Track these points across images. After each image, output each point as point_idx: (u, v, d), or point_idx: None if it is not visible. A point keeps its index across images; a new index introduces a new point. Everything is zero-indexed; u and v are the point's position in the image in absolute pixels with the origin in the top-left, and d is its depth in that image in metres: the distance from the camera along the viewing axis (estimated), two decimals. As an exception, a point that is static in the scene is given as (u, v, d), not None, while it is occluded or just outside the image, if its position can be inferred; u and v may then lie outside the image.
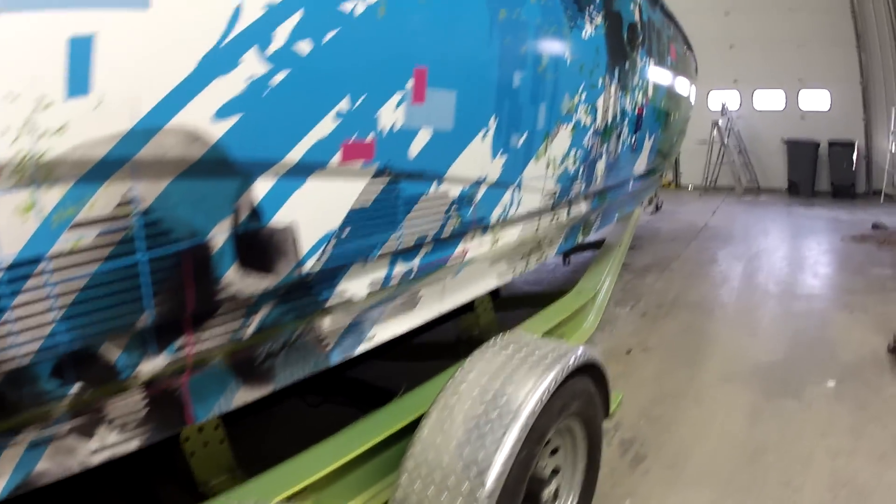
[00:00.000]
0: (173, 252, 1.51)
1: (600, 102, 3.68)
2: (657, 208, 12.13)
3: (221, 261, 1.64)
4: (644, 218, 11.34)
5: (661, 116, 5.62)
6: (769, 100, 15.61)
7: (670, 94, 5.95)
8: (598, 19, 3.47)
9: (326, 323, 2.15)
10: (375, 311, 2.36)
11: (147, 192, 1.42)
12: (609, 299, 5.95)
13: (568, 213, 3.76)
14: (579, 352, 2.49)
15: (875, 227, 10.10)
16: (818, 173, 14.56)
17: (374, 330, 2.41)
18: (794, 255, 8.36)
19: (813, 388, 4.36)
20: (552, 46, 2.99)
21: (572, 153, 3.46)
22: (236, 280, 1.69)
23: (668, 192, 16.11)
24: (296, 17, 1.66)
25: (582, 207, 3.97)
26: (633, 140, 4.62)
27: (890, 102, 13.82)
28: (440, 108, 2.29)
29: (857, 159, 14.04)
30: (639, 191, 5.92)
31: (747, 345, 5.18)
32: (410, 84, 2.10)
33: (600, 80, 3.62)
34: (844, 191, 14.00)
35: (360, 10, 1.86)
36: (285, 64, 1.65)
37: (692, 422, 4.01)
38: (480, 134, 2.57)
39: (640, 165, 5.23)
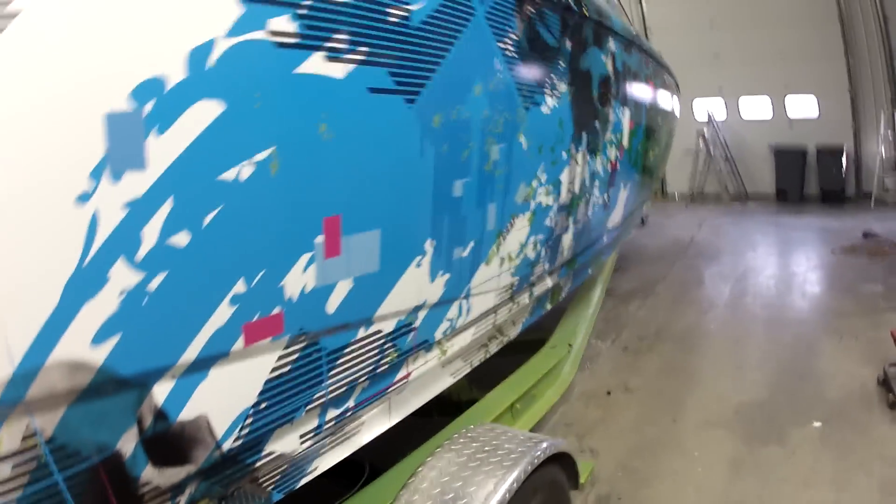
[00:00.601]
0: (87, 468, 1.42)
1: (564, 176, 3.47)
2: (643, 222, 11.98)
3: (136, 464, 1.52)
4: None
5: (640, 158, 5.49)
6: (756, 108, 15.47)
7: (651, 131, 5.84)
8: (562, 87, 3.26)
9: (262, 473, 1.97)
10: (314, 450, 2.17)
11: (46, 423, 1.34)
12: (591, 333, 5.83)
13: (531, 295, 3.51)
14: (545, 445, 2.38)
15: (865, 235, 9.94)
16: (807, 178, 14.43)
17: (316, 463, 2.20)
18: (783, 274, 8.18)
19: (797, 431, 4.17)
20: (503, 137, 2.73)
21: (531, 240, 3.23)
22: (155, 475, 1.57)
23: (656, 200, 15.98)
24: (165, 209, 1.44)
25: (547, 283, 3.74)
26: (606, 197, 4.44)
27: (879, 107, 13.68)
28: (361, 254, 2.05)
29: (846, 163, 13.90)
30: (616, 237, 5.72)
31: (732, 382, 4.99)
32: (320, 240, 1.87)
33: (564, 154, 3.42)
34: (834, 196, 13.87)
35: (246, 174, 1.61)
36: (161, 266, 1.46)
37: (672, 475, 3.82)
38: (414, 263, 2.33)
39: (616, 217, 5.06)
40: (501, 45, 2.64)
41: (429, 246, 2.38)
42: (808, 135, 14.53)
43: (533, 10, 2.89)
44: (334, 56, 1.82)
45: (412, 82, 2.12)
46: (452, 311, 2.66)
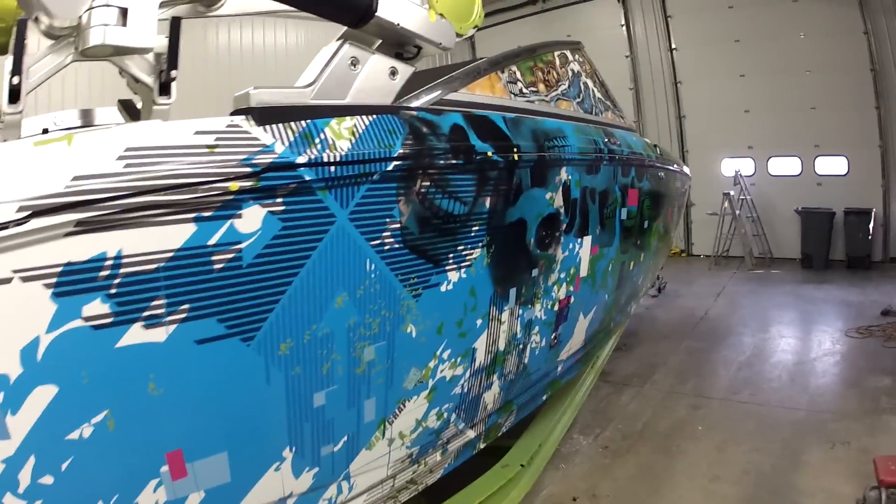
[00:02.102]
0: None
1: (480, 342, 3.26)
2: (659, 291, 11.76)
3: None
4: (645, 302, 10.98)
5: (612, 276, 5.14)
6: (784, 165, 15.28)
7: (637, 234, 5.55)
8: (476, 252, 3.05)
9: None
10: None
11: None
12: (571, 426, 5.68)
13: (444, 451, 3.33)
14: None
15: (885, 313, 9.54)
16: (833, 243, 14.03)
17: None
18: (789, 361, 7.85)
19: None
20: (380, 337, 2.61)
21: (433, 413, 3.08)
22: None
23: (679, 261, 15.76)
24: (31, 462, 1.74)
25: (468, 434, 3.53)
26: (553, 336, 4.18)
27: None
28: (210, 472, 2.10)
29: (874, 228, 13.52)
30: (584, 356, 5.44)
31: (702, 498, 4.75)
32: (165, 469, 1.99)
33: (479, 321, 3.20)
34: (859, 262, 13.43)
35: (87, 433, 1.87)
36: (36, 496, 1.73)
37: None
38: (272, 468, 2.31)
39: (575, 342, 4.75)
40: (377, 243, 2.51)
41: (287, 453, 2.34)
42: (836, 194, 14.28)
43: (428, 185, 2.72)
44: (153, 323, 1.90)
45: (247, 322, 2.09)
46: (330, 492, 2.58)
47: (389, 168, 2.49)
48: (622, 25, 17.52)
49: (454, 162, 2.84)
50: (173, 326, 1.93)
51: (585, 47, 5.34)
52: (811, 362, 7.70)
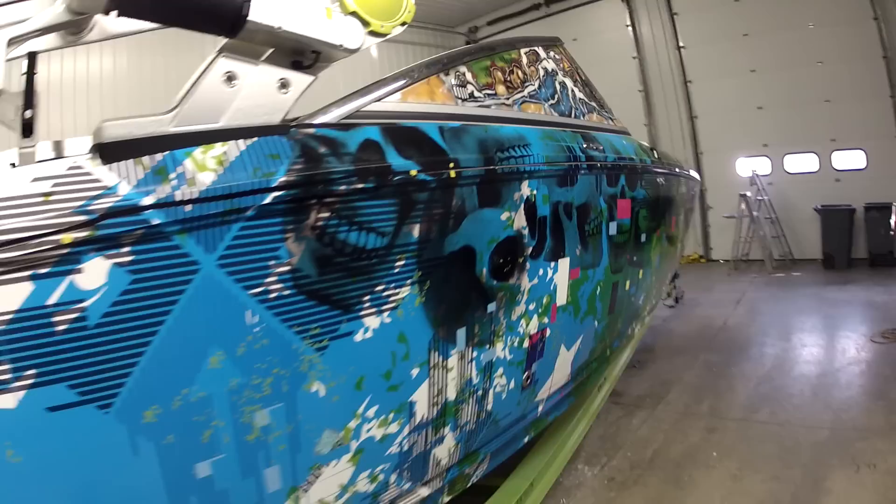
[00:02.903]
0: None
1: (421, 393, 2.83)
2: (676, 301, 11.37)
3: None
4: (661, 313, 10.62)
5: (602, 300, 4.57)
6: (801, 162, 14.87)
7: (625, 257, 4.96)
8: (403, 292, 2.60)
9: None
10: None
11: None
12: (572, 457, 5.37)
13: None
14: None
15: (912, 314, 9.13)
16: (854, 240, 13.57)
17: None
18: (811, 373, 7.42)
19: None
20: (274, 398, 2.25)
21: (364, 475, 2.70)
22: None
23: (698, 268, 15.36)
24: None
25: (421, 493, 3.12)
26: (527, 377, 3.70)
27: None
28: None
29: (895, 222, 13.06)
30: (575, 388, 4.93)
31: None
32: None
33: (415, 371, 2.75)
34: (883, 259, 12.96)
35: None
36: None
37: None
38: None
39: (559, 378, 4.23)
40: (258, 291, 2.14)
41: None
42: (855, 189, 13.84)
43: (327, 217, 2.30)
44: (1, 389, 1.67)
45: (101, 388, 1.81)
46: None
47: (268, 200, 2.10)
48: (627, 26, 17.21)
49: (362, 186, 2.37)
50: (22, 393, 1.68)
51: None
52: (835, 373, 7.29)
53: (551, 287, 3.67)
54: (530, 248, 3.38)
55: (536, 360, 3.73)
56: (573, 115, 4.52)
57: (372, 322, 2.47)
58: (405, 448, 2.83)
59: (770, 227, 14.69)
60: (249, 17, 2.06)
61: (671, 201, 6.48)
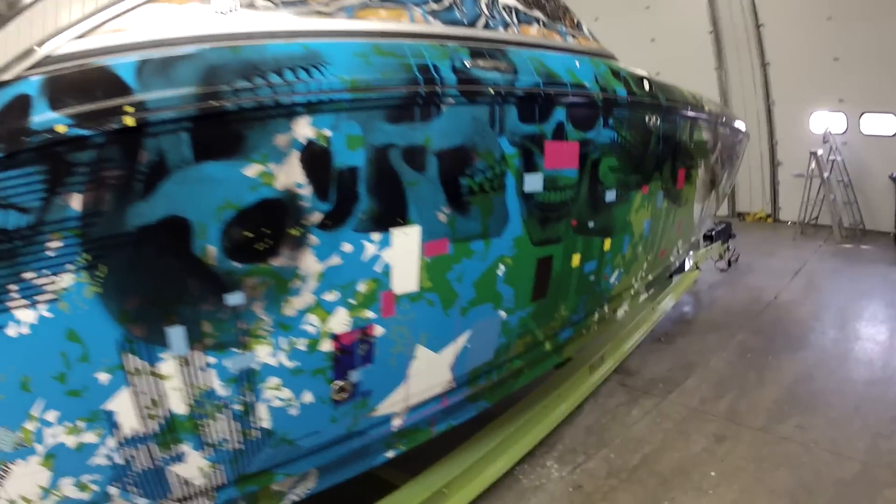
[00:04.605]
0: None
1: (122, 402, 2.37)
2: (729, 264, 10.26)
3: None
4: (709, 278, 9.57)
5: (519, 282, 3.62)
6: (880, 123, 13.25)
7: (562, 219, 3.78)
8: (65, 280, 2.09)
9: None
10: None
11: None
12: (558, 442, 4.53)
13: None
14: None
15: None
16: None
17: None
18: (860, 377, 6.08)
19: None
20: None
21: (67, 481, 2.36)
22: None
23: (765, 228, 14.14)
24: None
25: None
26: (340, 388, 3.00)
27: None
28: None
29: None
30: (487, 389, 4.08)
31: None
32: None
33: (105, 376, 2.30)
34: (964, 239, 11.41)
35: None
36: None
37: None
38: None
39: (429, 385, 3.50)
40: None
41: None
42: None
43: None
44: None
45: None
46: None
47: None
48: (697, -38, 15.52)
49: None
50: None
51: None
52: (886, 381, 5.98)
53: (377, 269, 2.78)
54: (316, 215, 2.52)
55: (358, 366, 2.91)
56: (479, 24, 3.32)
57: (25, 315, 2.05)
58: (119, 460, 2.41)
59: (841, 192, 13.21)
60: None
61: (676, 149, 5.15)
